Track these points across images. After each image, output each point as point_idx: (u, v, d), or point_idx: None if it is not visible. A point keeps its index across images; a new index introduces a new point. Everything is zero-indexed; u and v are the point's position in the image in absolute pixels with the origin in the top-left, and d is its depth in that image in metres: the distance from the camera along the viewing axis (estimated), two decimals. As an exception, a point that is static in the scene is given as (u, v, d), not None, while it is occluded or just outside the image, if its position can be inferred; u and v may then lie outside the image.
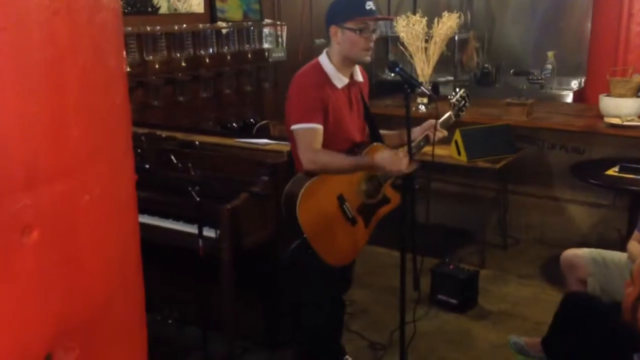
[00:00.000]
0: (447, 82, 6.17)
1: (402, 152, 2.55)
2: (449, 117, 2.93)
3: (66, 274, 1.23)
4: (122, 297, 1.46)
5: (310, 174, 2.54)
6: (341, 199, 2.61)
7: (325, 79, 2.59)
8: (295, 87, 2.60)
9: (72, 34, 1.12)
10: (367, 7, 2.54)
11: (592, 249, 3.06)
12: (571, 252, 3.07)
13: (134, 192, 1.48)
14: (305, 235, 2.50)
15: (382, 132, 2.84)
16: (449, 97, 3.04)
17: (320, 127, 2.52)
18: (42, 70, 1.08)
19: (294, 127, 2.54)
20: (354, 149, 2.69)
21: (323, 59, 2.63)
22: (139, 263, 1.57)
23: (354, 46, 2.55)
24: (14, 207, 1.07)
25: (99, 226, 1.30)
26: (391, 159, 2.51)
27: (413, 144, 2.64)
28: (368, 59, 2.61)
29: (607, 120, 4.15)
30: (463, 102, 2.99)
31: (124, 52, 1.35)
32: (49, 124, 1.11)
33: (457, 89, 3.07)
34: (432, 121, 2.76)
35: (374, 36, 2.60)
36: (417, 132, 2.76)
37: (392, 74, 3.16)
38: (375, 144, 2.74)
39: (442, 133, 2.77)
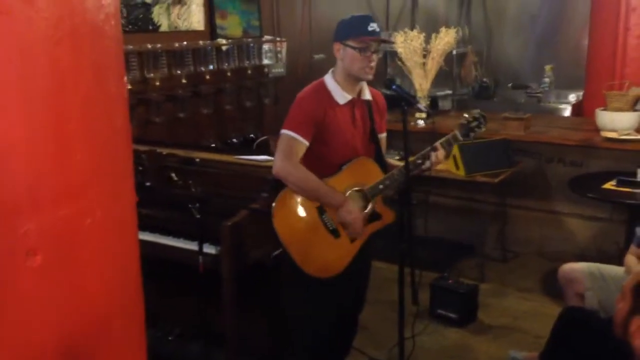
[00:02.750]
0: (445, 96, 6.21)
1: (361, 215, 2.64)
2: (454, 136, 2.79)
3: (68, 295, 1.26)
4: (122, 316, 1.49)
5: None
6: (321, 210, 2.63)
7: (326, 95, 2.65)
8: (297, 100, 2.68)
9: (74, 62, 1.16)
10: (370, 29, 2.60)
11: (590, 263, 3.08)
12: (569, 267, 3.08)
13: (135, 213, 1.51)
14: (284, 245, 2.54)
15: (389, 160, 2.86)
16: (463, 116, 2.87)
17: (304, 141, 2.58)
18: (46, 97, 1.11)
19: (282, 131, 2.62)
20: (345, 162, 2.71)
21: (327, 76, 2.71)
22: (139, 282, 1.59)
23: (354, 63, 2.61)
24: (18, 231, 1.10)
25: (101, 248, 1.33)
26: (350, 215, 2.59)
27: (412, 160, 2.68)
28: (370, 77, 2.66)
29: (604, 134, 4.18)
30: (476, 122, 2.83)
31: (125, 77, 1.39)
32: (52, 149, 1.15)
33: (476, 110, 2.90)
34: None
35: (375, 57, 2.64)
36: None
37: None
38: (363, 157, 2.75)
39: (439, 156, 2.70)
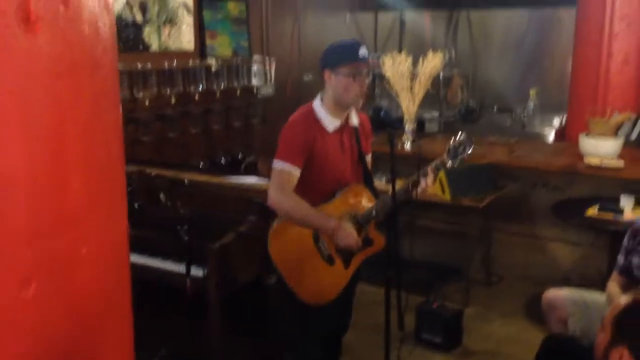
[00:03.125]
0: (432, 119, 6.28)
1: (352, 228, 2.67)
2: (442, 161, 2.74)
3: (60, 323, 1.27)
4: (112, 341, 1.50)
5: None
6: (316, 237, 2.66)
7: (315, 123, 2.67)
8: (285, 129, 2.70)
9: (74, 95, 1.18)
10: (360, 54, 2.63)
11: (573, 290, 3.12)
12: (552, 293, 3.12)
13: (127, 240, 1.53)
14: (280, 273, 2.56)
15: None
16: (450, 140, 2.80)
17: (296, 171, 2.60)
18: (45, 129, 1.13)
19: (274, 163, 2.64)
20: (338, 189, 2.74)
21: (316, 103, 2.72)
22: (129, 307, 1.60)
23: (346, 90, 2.63)
24: (15, 261, 1.11)
25: (95, 276, 1.34)
26: (347, 238, 2.63)
27: (403, 186, 2.72)
28: (360, 103, 2.69)
29: (587, 160, 4.24)
30: (462, 147, 2.74)
31: (120, 106, 1.41)
32: (51, 179, 1.17)
33: (461, 133, 2.80)
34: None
35: (367, 81, 2.68)
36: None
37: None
38: (355, 184, 2.79)
39: (429, 181, 2.70)
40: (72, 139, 1.19)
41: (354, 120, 2.78)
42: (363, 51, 2.64)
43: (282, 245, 2.61)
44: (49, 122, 1.13)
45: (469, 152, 2.76)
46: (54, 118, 1.14)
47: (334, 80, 2.64)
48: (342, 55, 2.65)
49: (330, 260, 2.69)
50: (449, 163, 2.75)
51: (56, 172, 1.17)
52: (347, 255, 2.75)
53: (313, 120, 2.67)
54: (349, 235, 2.65)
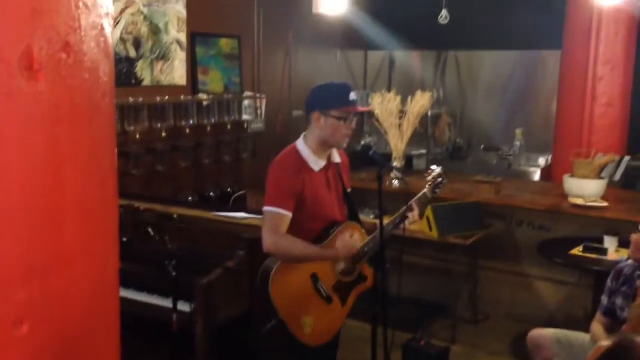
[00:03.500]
0: (420, 156, 6.36)
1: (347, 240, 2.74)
2: (424, 194, 3.01)
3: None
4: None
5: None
6: (315, 278, 2.67)
7: (302, 164, 2.69)
8: (272, 171, 2.70)
9: (73, 139, 1.21)
10: (351, 98, 2.68)
11: (557, 330, 3.15)
12: (537, 332, 3.15)
13: (117, 279, 1.54)
14: (280, 317, 2.55)
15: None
16: (425, 174, 3.14)
17: (288, 214, 2.62)
18: (44, 173, 1.16)
19: (264, 208, 2.65)
20: (329, 227, 2.77)
21: (300, 144, 2.74)
22: (118, 344, 1.61)
23: (335, 132, 2.67)
24: (9, 301, 1.13)
25: (85, 313, 1.36)
26: (344, 247, 2.68)
27: (391, 221, 2.76)
28: (345, 144, 2.74)
29: (572, 200, 4.31)
30: (439, 179, 3.07)
31: (116, 149, 1.44)
32: (47, 222, 1.19)
33: (433, 167, 3.16)
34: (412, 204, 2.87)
35: (354, 124, 2.73)
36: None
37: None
38: (350, 222, 2.83)
39: (414, 217, 2.85)
40: (69, 182, 1.22)
41: (337, 158, 2.83)
42: (353, 95, 2.69)
43: (283, 289, 2.60)
44: (47, 166, 1.16)
45: (445, 183, 3.11)
46: (53, 161, 1.17)
47: (324, 122, 2.66)
48: (334, 98, 2.67)
49: (328, 300, 2.70)
50: (431, 196, 3.03)
51: (52, 215, 1.19)
52: (344, 293, 2.78)
53: (300, 161, 2.69)
54: (349, 243, 2.71)
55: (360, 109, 2.81)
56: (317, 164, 2.72)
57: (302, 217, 2.66)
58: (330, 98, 2.68)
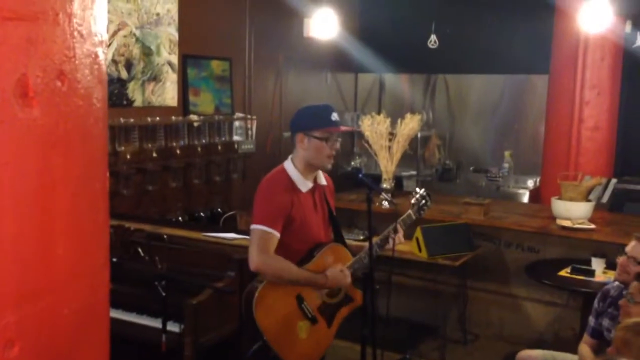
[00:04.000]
0: (410, 177, 6.41)
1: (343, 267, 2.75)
2: (409, 215, 3.06)
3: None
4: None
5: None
6: (299, 299, 2.68)
7: (291, 185, 2.73)
8: (261, 191, 2.73)
9: (65, 164, 1.23)
10: (333, 119, 2.73)
11: (546, 351, 3.17)
12: (525, 354, 3.17)
13: (108, 299, 1.56)
14: (265, 339, 2.56)
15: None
16: (410, 195, 3.20)
17: (276, 234, 2.64)
18: (36, 197, 1.18)
19: (252, 226, 2.67)
20: (313, 249, 2.79)
21: (288, 165, 2.78)
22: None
23: (319, 153, 2.71)
24: (1, 324, 1.13)
25: (75, 335, 1.37)
26: (333, 277, 2.69)
27: (376, 241, 2.79)
28: (330, 166, 2.77)
29: (559, 222, 4.35)
30: (423, 201, 3.14)
31: (108, 173, 1.47)
32: (39, 245, 1.20)
33: (418, 189, 3.23)
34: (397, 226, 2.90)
35: (338, 144, 2.77)
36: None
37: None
38: (333, 244, 2.85)
39: (399, 239, 2.89)
40: (61, 206, 1.23)
41: (322, 180, 2.87)
42: (335, 115, 2.74)
43: (267, 310, 2.60)
44: (39, 190, 1.18)
45: (430, 205, 3.18)
46: (45, 186, 1.19)
47: (307, 144, 2.71)
48: (316, 119, 2.73)
49: (313, 320, 2.71)
50: (415, 217, 3.09)
51: (44, 239, 1.21)
52: (329, 314, 2.79)
53: (288, 182, 2.73)
54: (339, 276, 2.71)
55: (342, 129, 2.84)
56: (304, 184, 2.75)
57: (289, 239, 2.68)
58: (312, 119, 2.74)
